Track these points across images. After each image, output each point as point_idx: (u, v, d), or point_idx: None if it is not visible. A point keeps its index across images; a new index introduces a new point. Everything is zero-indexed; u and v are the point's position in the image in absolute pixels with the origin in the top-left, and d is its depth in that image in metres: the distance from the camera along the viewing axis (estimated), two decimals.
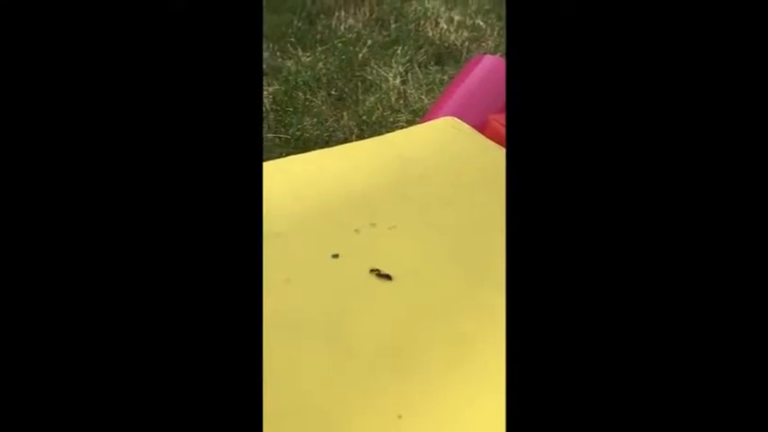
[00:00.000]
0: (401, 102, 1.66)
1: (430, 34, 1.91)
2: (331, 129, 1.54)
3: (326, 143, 1.48)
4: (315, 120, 1.56)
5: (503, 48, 1.87)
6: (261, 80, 0.34)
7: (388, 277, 0.58)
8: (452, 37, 1.91)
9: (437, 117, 0.91)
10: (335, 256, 0.61)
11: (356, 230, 0.64)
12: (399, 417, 0.46)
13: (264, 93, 1.62)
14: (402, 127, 1.54)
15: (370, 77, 1.70)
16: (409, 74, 1.74)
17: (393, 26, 1.92)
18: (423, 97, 1.67)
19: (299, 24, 1.85)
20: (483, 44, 1.91)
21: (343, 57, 1.75)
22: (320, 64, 1.72)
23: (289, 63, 1.72)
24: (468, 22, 1.99)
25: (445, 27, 1.95)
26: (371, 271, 0.58)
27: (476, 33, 1.95)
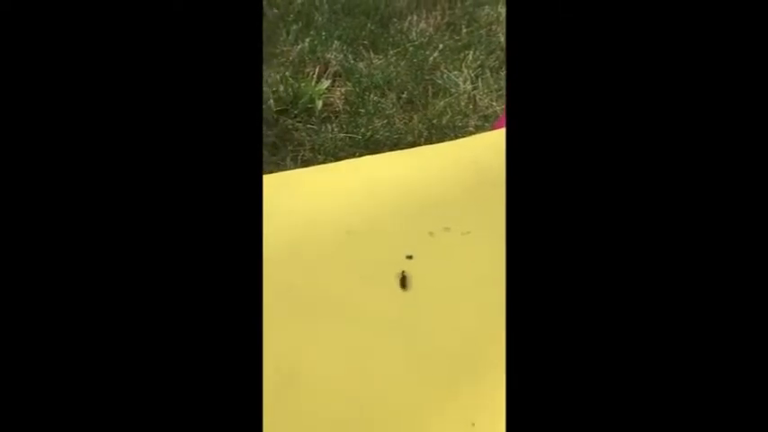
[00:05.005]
0: (471, 107, 1.65)
1: (502, 39, 1.89)
2: (401, 131, 1.55)
3: (396, 145, 1.48)
4: (385, 122, 1.56)
5: None
6: (260, 81, 0.34)
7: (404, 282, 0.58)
8: None
9: None
10: (410, 257, 0.61)
11: (430, 233, 0.64)
12: (473, 424, 0.45)
13: (337, 93, 1.63)
14: (471, 132, 1.53)
15: (440, 81, 1.70)
16: (480, 79, 1.73)
17: (464, 31, 1.91)
18: (493, 103, 1.66)
19: (372, 27, 1.86)
20: None
21: (414, 60, 1.76)
22: (391, 67, 1.73)
23: (361, 65, 1.73)
24: None
25: None
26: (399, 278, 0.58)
27: None
